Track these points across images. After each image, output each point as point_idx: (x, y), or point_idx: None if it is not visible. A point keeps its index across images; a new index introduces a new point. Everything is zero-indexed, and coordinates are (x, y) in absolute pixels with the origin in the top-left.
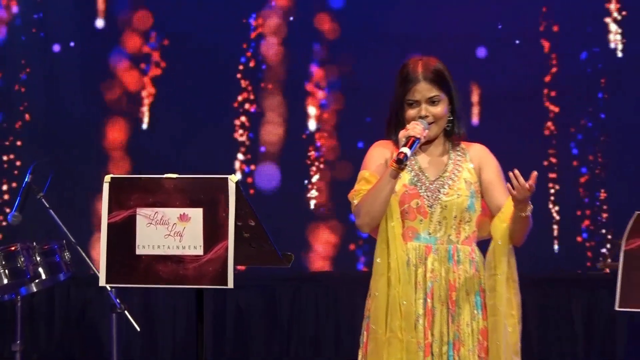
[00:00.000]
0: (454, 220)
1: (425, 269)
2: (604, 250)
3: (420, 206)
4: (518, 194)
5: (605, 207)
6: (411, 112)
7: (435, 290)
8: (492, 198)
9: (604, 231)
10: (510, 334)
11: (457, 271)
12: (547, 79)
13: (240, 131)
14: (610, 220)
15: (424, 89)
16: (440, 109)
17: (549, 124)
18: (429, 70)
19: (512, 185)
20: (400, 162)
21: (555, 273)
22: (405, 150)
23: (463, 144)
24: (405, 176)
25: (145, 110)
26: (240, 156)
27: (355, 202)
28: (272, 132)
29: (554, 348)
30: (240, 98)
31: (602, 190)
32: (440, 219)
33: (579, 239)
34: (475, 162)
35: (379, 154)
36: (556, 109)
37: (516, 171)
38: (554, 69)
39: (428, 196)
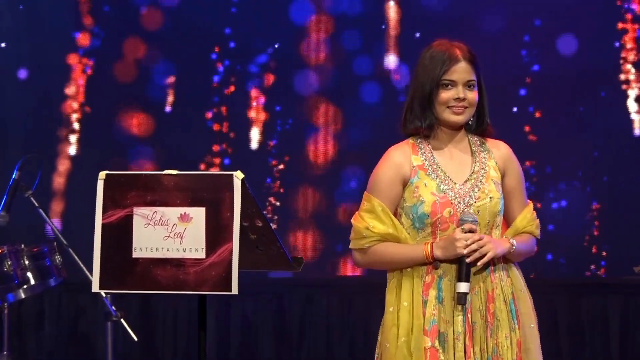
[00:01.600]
0: (487, 225)
1: None
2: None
3: (453, 214)
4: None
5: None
6: (444, 95)
7: (474, 303)
8: (508, 208)
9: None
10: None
11: (494, 280)
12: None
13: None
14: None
15: (464, 70)
16: (475, 95)
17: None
18: (467, 51)
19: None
20: (461, 302)
21: (587, 278)
22: (463, 288)
23: (486, 142)
24: (431, 183)
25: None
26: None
27: (363, 250)
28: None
29: (587, 356)
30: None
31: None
32: None
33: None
34: (499, 161)
35: (394, 171)
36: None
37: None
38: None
39: (459, 202)
